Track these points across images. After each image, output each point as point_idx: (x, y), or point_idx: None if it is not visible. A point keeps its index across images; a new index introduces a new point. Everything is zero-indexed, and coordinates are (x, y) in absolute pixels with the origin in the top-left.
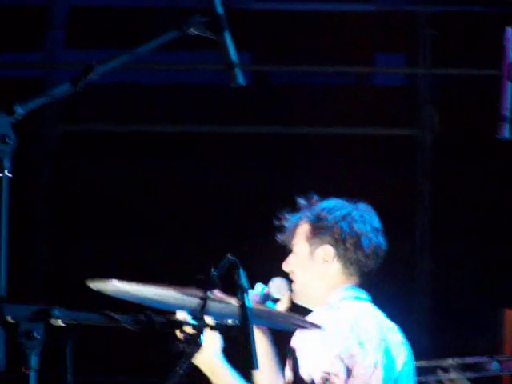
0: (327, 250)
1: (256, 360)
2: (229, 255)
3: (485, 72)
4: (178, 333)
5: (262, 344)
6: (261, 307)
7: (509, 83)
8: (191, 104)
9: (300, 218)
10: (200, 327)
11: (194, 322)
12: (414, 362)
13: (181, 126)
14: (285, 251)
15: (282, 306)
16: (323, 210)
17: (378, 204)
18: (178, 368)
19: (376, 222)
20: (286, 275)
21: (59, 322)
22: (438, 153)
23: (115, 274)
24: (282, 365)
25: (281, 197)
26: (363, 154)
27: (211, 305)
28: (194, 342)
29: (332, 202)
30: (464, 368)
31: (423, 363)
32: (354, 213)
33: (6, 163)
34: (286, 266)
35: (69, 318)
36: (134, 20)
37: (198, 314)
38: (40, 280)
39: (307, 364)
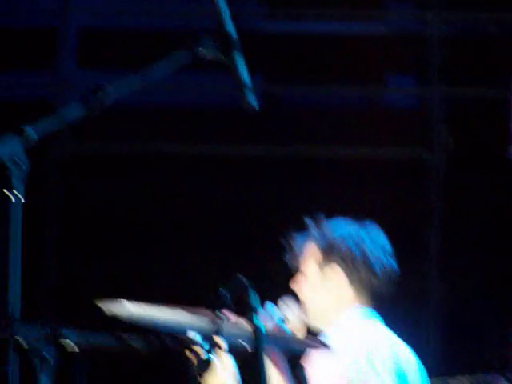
0: (336, 271)
1: (266, 381)
2: (239, 275)
3: (496, 93)
4: (188, 353)
5: (274, 365)
6: (272, 328)
7: None
8: (202, 125)
9: (308, 239)
10: (210, 348)
11: (203, 343)
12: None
13: (192, 147)
14: (291, 269)
15: (291, 326)
16: (331, 230)
17: (389, 224)
18: None
19: (384, 241)
20: (294, 293)
21: (70, 344)
22: (450, 173)
23: (125, 293)
24: None
25: (292, 217)
26: (374, 175)
27: (221, 326)
28: (204, 363)
29: (340, 222)
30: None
31: (434, 380)
32: (362, 233)
33: (20, 188)
34: (295, 286)
35: (80, 339)
36: (146, 41)
37: (207, 334)
38: (51, 299)
39: None
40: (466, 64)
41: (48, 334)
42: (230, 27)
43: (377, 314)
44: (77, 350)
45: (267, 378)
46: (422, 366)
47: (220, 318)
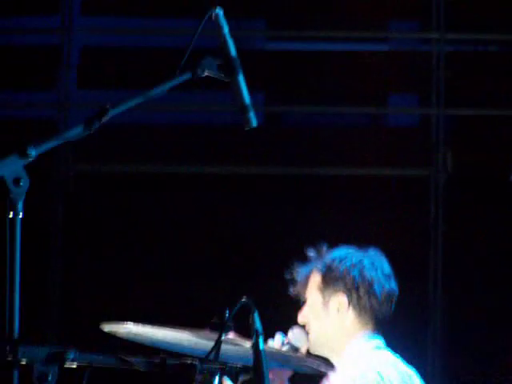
0: (341, 300)
1: None
2: (244, 298)
3: (499, 112)
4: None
5: None
6: (276, 350)
7: None
8: (202, 144)
9: (311, 270)
10: (214, 370)
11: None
12: None
13: (193, 166)
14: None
15: (299, 354)
16: (334, 259)
17: (391, 244)
18: None
19: (387, 267)
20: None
21: (73, 364)
22: (452, 193)
23: (130, 313)
24: None
25: (292, 237)
26: (376, 195)
27: (225, 348)
28: None
29: (342, 251)
30: None
31: None
32: (365, 260)
33: (19, 206)
34: (301, 319)
35: (83, 361)
36: (147, 60)
37: (211, 356)
38: (53, 318)
39: None
40: (468, 83)
41: (50, 353)
42: (231, 46)
43: (381, 338)
44: (76, 366)
45: None
46: None
47: (223, 340)
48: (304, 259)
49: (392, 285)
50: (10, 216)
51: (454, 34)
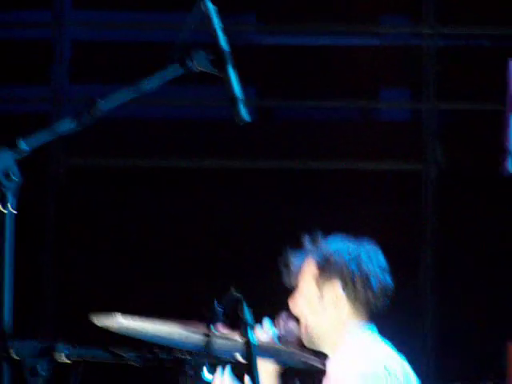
0: (337, 292)
1: None
2: (233, 291)
3: (490, 106)
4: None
5: (267, 379)
6: (267, 343)
7: None
8: (195, 139)
9: (306, 259)
10: (203, 363)
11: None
12: None
13: (184, 161)
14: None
15: (287, 342)
16: (330, 250)
17: (382, 238)
18: None
19: (383, 261)
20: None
21: (64, 359)
22: (443, 187)
23: (122, 307)
24: None
25: (285, 231)
26: (368, 189)
27: (215, 340)
28: (198, 378)
29: (339, 242)
30: None
31: None
32: (362, 253)
33: (11, 199)
34: (294, 308)
35: (74, 355)
36: (139, 54)
37: (201, 349)
38: (48, 315)
39: None
40: (459, 78)
41: (42, 348)
42: (222, 40)
43: (375, 329)
44: (69, 361)
45: None
46: (418, 380)
47: (213, 333)
48: (287, 254)
49: (388, 279)
50: (2, 210)
51: (446, 29)
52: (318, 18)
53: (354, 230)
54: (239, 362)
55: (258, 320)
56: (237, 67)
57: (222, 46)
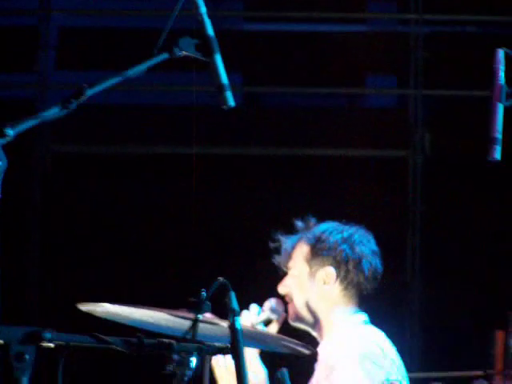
0: (328, 272)
1: (247, 382)
2: (220, 278)
3: (476, 93)
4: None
5: (254, 366)
6: (252, 329)
7: (499, 105)
8: (181, 125)
9: (298, 240)
10: (190, 350)
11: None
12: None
13: (171, 147)
14: (278, 272)
15: (273, 328)
16: (324, 231)
17: (369, 225)
18: None
19: (374, 245)
20: (279, 297)
21: (50, 345)
22: (430, 174)
23: (107, 296)
24: None
25: (270, 217)
26: (354, 175)
27: (202, 327)
28: (185, 365)
29: (331, 225)
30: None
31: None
32: (356, 235)
33: None
34: (283, 289)
35: (60, 340)
36: (125, 41)
37: (188, 336)
38: (32, 302)
39: None
40: (446, 65)
41: (28, 334)
42: (209, 26)
43: (366, 314)
44: (52, 346)
45: (247, 378)
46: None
47: (200, 319)
48: (278, 235)
49: (378, 263)
50: None
51: (432, 15)
52: (305, 4)
53: (341, 215)
54: (225, 348)
55: (246, 305)
56: (223, 53)
57: (208, 32)
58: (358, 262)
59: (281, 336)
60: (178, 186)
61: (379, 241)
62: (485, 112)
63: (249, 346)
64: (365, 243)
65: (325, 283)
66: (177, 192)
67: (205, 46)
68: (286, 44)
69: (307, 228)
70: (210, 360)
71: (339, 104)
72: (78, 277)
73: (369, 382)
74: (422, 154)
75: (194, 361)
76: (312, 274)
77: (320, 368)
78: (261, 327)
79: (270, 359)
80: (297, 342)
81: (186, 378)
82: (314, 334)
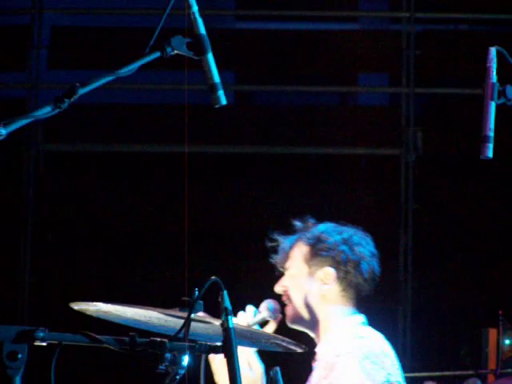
0: (328, 272)
1: (240, 381)
2: (213, 276)
3: (468, 91)
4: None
5: (251, 362)
6: (245, 328)
7: (492, 103)
8: (174, 124)
9: (297, 240)
10: (182, 347)
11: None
12: None
13: (164, 146)
14: (274, 272)
15: (270, 329)
16: (323, 232)
17: (362, 222)
18: None
19: (373, 247)
20: (276, 298)
21: (43, 343)
22: (422, 172)
23: (100, 294)
24: None
25: (263, 215)
26: (347, 173)
27: (195, 326)
28: (177, 363)
29: (330, 225)
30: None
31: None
32: (355, 237)
33: None
34: (280, 289)
35: (52, 339)
36: (117, 40)
37: (181, 335)
38: (24, 301)
39: None
40: (438, 63)
41: (20, 332)
42: (201, 25)
43: (364, 316)
44: (45, 343)
45: (240, 377)
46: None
47: (192, 318)
48: (275, 234)
49: (376, 265)
50: None
51: (424, 14)
52: (297, 3)
53: (333, 213)
54: (218, 347)
55: (241, 306)
56: (214, 52)
57: (200, 30)
58: (357, 264)
59: (273, 334)
60: (170, 184)
61: (371, 239)
62: (477, 110)
63: (241, 345)
64: (364, 245)
65: (324, 283)
66: (169, 190)
67: (197, 45)
68: (278, 42)
69: (306, 228)
70: (206, 359)
71: (331, 102)
72: (70, 276)
73: (369, 382)
74: (415, 151)
75: (186, 359)
76: (311, 274)
77: (319, 368)
78: (256, 328)
79: (267, 356)
80: (289, 340)
81: (178, 377)
82: (312, 335)
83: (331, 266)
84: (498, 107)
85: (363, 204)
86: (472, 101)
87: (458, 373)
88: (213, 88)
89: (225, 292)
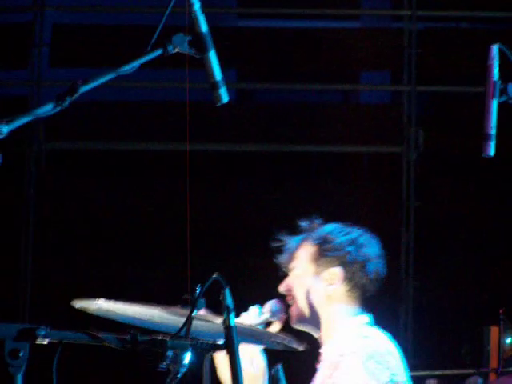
0: (334, 273)
1: (241, 379)
2: (215, 274)
3: (470, 89)
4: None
5: (254, 357)
6: (247, 326)
7: (493, 101)
8: (175, 122)
9: (302, 240)
10: (184, 346)
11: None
12: None
13: (166, 143)
14: (277, 271)
15: (274, 330)
16: (330, 232)
17: (364, 220)
18: None
19: (379, 248)
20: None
21: (44, 341)
22: (424, 170)
23: (101, 292)
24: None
25: (265, 213)
26: (348, 171)
27: (196, 324)
28: (179, 361)
29: (337, 226)
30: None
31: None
32: (362, 238)
33: None
34: (284, 288)
35: (54, 337)
36: (118, 37)
37: (182, 333)
38: (26, 299)
39: None
40: (440, 61)
41: (22, 330)
42: (203, 22)
43: (370, 316)
44: (46, 342)
45: (241, 375)
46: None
47: (194, 316)
48: (281, 234)
49: (382, 266)
50: None
51: (426, 12)
52: (299, 1)
53: (335, 212)
54: (220, 344)
55: (244, 306)
56: (216, 50)
57: (202, 29)
58: (364, 265)
59: (273, 333)
60: (171, 182)
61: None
62: (479, 108)
63: (243, 343)
64: (370, 246)
65: (330, 284)
66: (170, 188)
67: (199, 43)
68: (280, 41)
69: (312, 228)
70: (210, 357)
71: (333, 100)
72: (71, 274)
73: (373, 381)
74: (416, 150)
75: (187, 358)
76: (317, 275)
77: (323, 368)
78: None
79: (271, 355)
80: (291, 338)
81: (179, 375)
82: (317, 335)
83: (337, 267)
84: (499, 105)
85: (365, 202)
86: (474, 99)
87: (459, 371)
88: (214, 86)
89: (227, 290)
